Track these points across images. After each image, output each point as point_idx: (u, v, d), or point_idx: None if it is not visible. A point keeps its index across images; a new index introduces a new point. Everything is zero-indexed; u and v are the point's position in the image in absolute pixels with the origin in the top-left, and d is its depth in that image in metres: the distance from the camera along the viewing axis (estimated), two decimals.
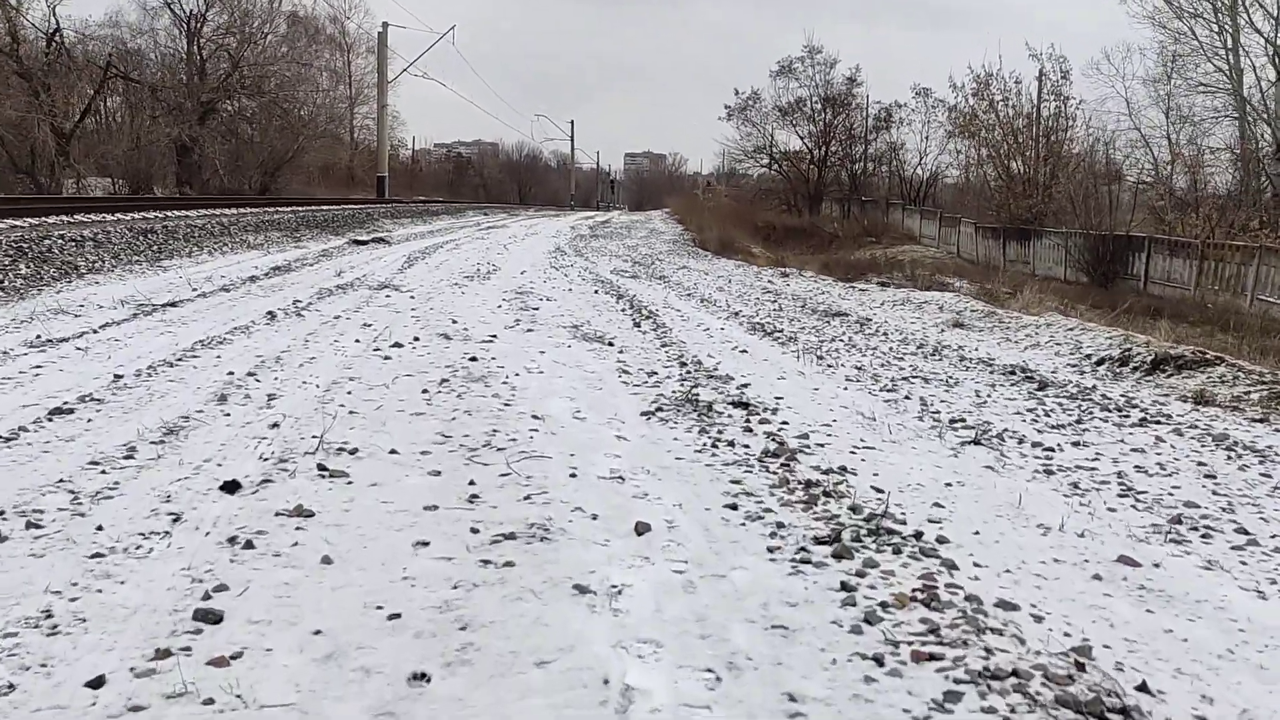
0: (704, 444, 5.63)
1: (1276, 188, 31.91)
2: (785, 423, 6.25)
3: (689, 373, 7.94)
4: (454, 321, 9.99)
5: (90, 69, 37.32)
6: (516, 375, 7.30)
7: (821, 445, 5.66)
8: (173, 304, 10.59)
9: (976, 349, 10.07)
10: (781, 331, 10.87)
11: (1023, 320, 11.68)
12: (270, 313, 10.08)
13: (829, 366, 8.74)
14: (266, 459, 4.89)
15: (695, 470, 5.07)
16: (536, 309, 11.40)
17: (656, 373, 7.83)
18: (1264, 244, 25.38)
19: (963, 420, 6.61)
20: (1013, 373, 8.70)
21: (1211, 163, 35.55)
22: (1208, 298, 25.65)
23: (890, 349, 9.95)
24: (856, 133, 50.46)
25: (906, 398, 7.43)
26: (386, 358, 7.83)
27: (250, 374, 6.99)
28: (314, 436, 5.26)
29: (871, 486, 4.82)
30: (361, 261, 17.08)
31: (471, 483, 4.62)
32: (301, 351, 8.00)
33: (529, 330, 9.68)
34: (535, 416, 6.02)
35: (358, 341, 8.58)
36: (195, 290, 11.84)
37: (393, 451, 5.12)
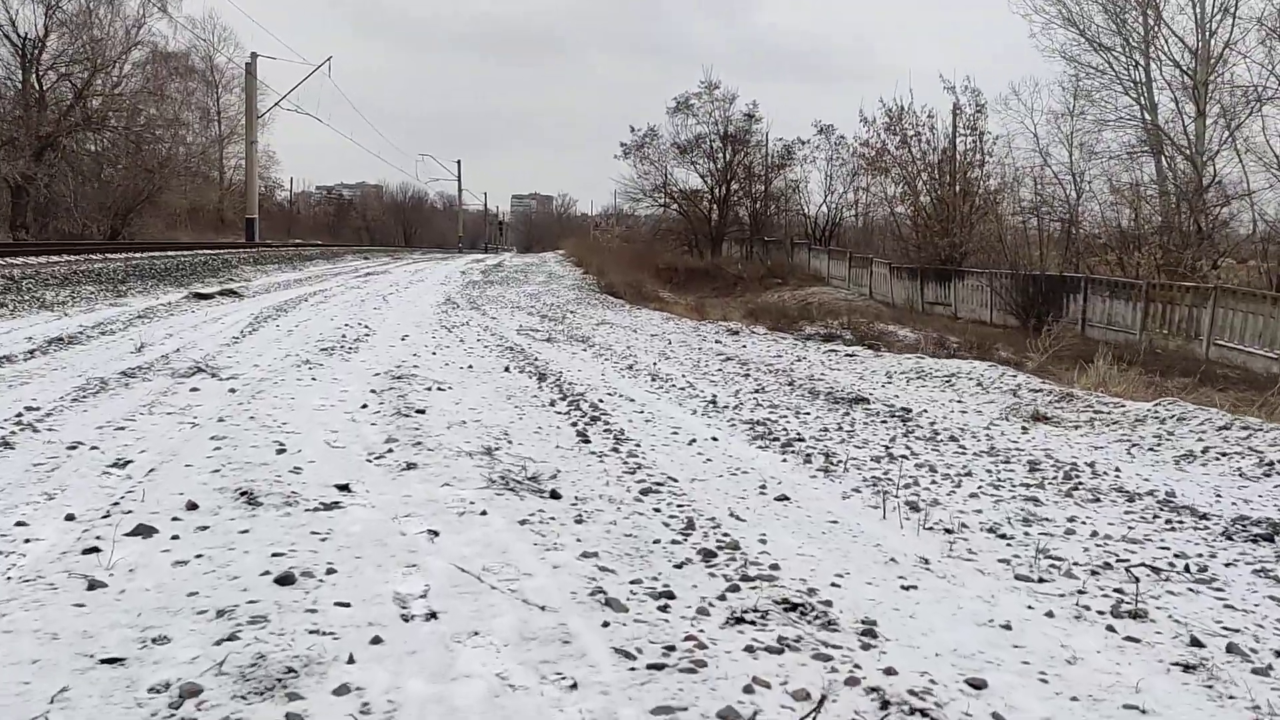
0: None
1: (1202, 225, 29.66)
2: None
3: (728, 576, 3.89)
4: (279, 451, 5.70)
5: None
6: (376, 646, 3.11)
7: None
8: None
9: (1118, 471, 6.27)
10: (802, 441, 6.90)
11: (1126, 408, 8.01)
12: None
13: (948, 537, 4.78)
14: None
15: None
16: (422, 411, 7.16)
17: (669, 590, 3.72)
18: (1218, 285, 22.74)
19: None
20: (1252, 528, 4.91)
21: (1125, 200, 33.32)
22: (1156, 342, 22.90)
23: (998, 477, 6.05)
24: (756, 171, 47.40)
25: (1154, 627, 3.48)
26: (79, 605, 3.49)
27: None
28: None
29: None
30: (188, 325, 12.53)
31: None
32: None
33: (407, 468, 5.45)
34: None
35: (72, 519, 4.26)
36: None
37: None
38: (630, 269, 34.76)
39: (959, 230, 34.89)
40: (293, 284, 22.27)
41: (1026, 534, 4.82)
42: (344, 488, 4.94)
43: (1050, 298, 27.58)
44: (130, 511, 4.40)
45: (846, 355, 11.91)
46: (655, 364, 11.04)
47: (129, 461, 5.37)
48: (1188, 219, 29.51)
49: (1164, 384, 10.97)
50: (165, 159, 40.70)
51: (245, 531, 4.19)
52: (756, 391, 9.22)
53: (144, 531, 4.11)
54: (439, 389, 8.30)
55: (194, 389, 7.81)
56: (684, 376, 10.08)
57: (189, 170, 46.44)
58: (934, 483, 5.85)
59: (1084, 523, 5.05)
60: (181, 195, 46.16)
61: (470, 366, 9.85)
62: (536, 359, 10.83)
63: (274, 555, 3.87)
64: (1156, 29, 32.60)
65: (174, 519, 4.33)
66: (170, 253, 23.59)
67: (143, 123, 39.62)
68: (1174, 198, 30.94)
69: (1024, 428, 7.58)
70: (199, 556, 3.85)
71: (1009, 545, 4.63)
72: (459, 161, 79.13)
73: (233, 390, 7.79)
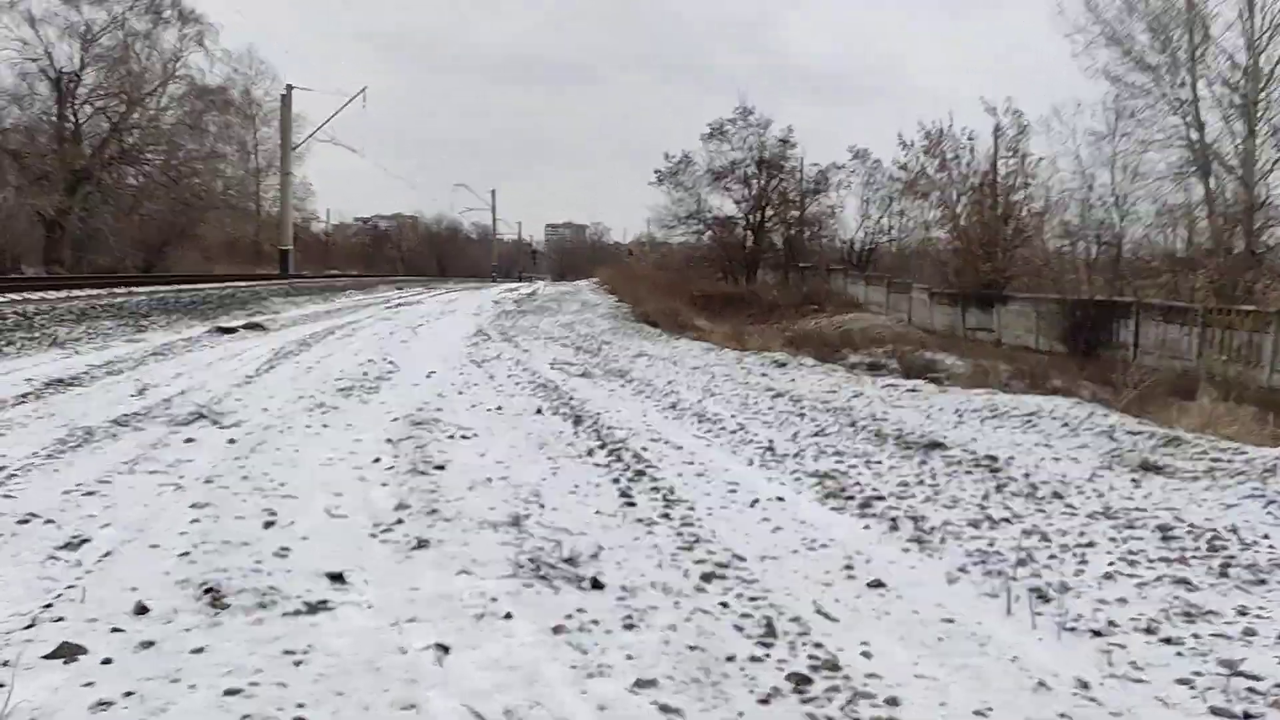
0: None
1: (1254, 247, 28.25)
2: None
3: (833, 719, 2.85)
4: (267, 524, 4.73)
5: None
6: None
7: None
8: None
9: (1269, 541, 5.14)
10: (882, 499, 5.83)
11: (1249, 455, 6.88)
12: None
13: (1099, 643, 3.70)
14: None
15: None
16: (442, 467, 6.17)
17: None
18: None
19: None
20: None
21: (1176, 221, 31.97)
22: (1214, 370, 21.54)
23: (1127, 549, 4.95)
24: (791, 196, 46.29)
25: None
26: None
27: None
28: None
29: None
30: (202, 363, 11.67)
31: None
32: None
33: (418, 546, 4.46)
34: None
35: None
36: None
37: None
38: (665, 296, 33.79)
39: (1001, 255, 33.64)
40: (321, 316, 21.48)
41: (1196, 637, 3.74)
42: (337, 578, 3.95)
43: (1099, 324, 26.30)
44: (62, 619, 3.44)
45: (909, 390, 10.80)
46: (700, 402, 10.01)
47: (85, 541, 4.42)
48: (1238, 240, 28.16)
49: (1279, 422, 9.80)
50: (201, 192, 40.33)
51: (200, 650, 3.20)
52: (816, 435, 8.16)
53: (68, 653, 3.14)
54: (463, 437, 7.32)
55: (189, 440, 6.88)
56: (733, 417, 9.05)
57: (226, 203, 46.13)
58: (1053, 557, 4.77)
59: (1261, 617, 3.96)
60: (219, 228, 45.86)
61: (499, 408, 8.87)
62: (571, 398, 9.84)
63: (228, 693, 2.88)
64: (1204, 46, 31.31)
65: (114, 630, 3.36)
66: (199, 285, 22.93)
67: (181, 157, 39.32)
68: (1224, 219, 29.58)
69: (1134, 480, 6.47)
70: (129, 694, 2.87)
71: (1181, 656, 3.55)
72: (493, 191, 78.86)
73: (232, 441, 6.86)
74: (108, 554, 4.23)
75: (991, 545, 4.94)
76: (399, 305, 26.96)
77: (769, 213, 45.76)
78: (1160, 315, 24.47)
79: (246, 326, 17.32)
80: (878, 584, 4.24)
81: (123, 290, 18.80)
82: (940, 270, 39.51)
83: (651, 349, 16.94)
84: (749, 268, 45.30)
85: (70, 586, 3.79)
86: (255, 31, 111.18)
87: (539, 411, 8.78)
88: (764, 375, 12.96)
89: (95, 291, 17.83)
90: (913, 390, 10.80)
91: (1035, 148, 34.39)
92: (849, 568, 4.47)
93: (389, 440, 7.02)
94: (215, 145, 44.88)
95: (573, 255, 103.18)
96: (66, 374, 10.08)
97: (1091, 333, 25.89)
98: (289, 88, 41.30)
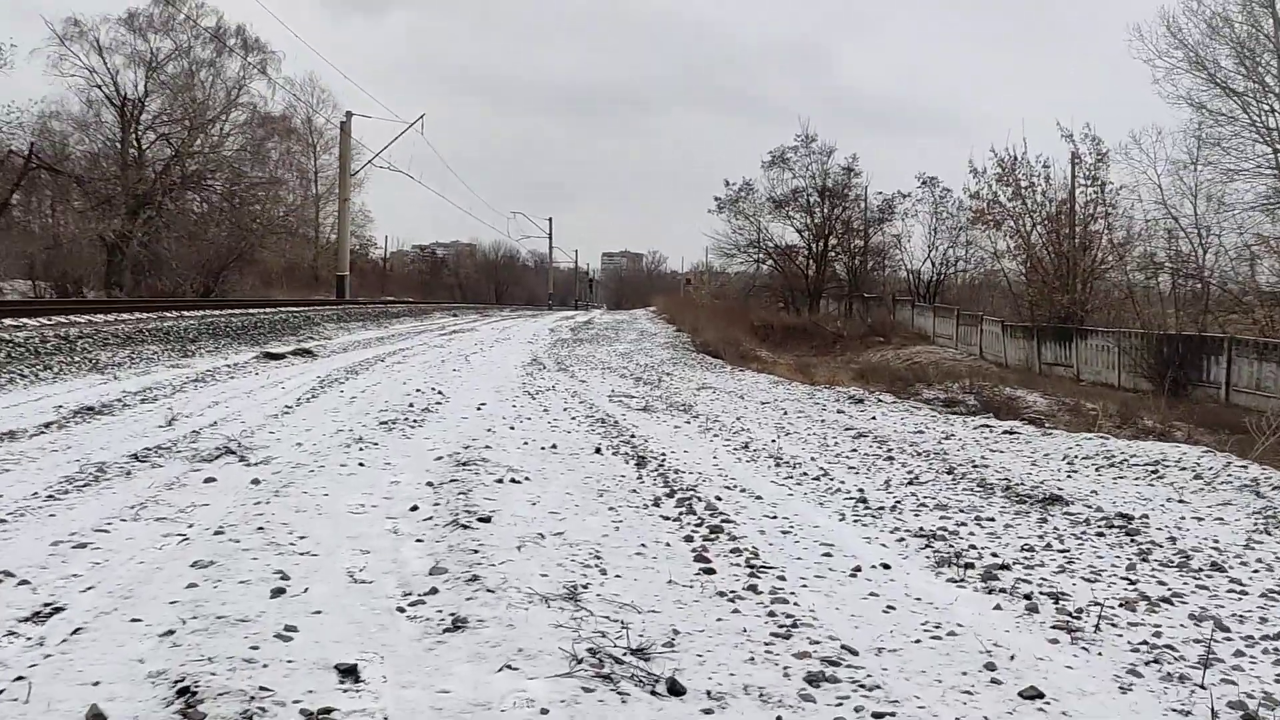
0: None
1: None
2: None
3: None
4: (276, 592, 3.92)
5: (9, 160, 31.68)
6: None
7: None
8: None
9: None
10: (1006, 569, 4.87)
11: None
12: None
13: None
14: None
15: None
16: (488, 520, 5.34)
17: None
18: None
19: None
20: None
21: (1273, 252, 30.35)
22: None
23: None
24: (855, 225, 45.23)
25: None
26: None
27: None
28: None
29: None
30: (242, 391, 11.04)
31: None
32: None
33: (453, 628, 3.61)
34: None
35: None
36: None
37: None
38: (725, 326, 32.90)
39: (1080, 287, 32.24)
40: (373, 342, 20.94)
41: None
42: (349, 672, 3.13)
43: (1189, 360, 24.86)
44: None
45: (1005, 433, 9.78)
46: (775, 442, 9.12)
47: (57, 610, 3.67)
48: None
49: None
50: (262, 218, 40.36)
51: None
52: (911, 483, 7.22)
53: None
54: (513, 480, 6.50)
55: (209, 479, 6.15)
56: (814, 460, 8.13)
57: (285, 229, 46.24)
58: (1240, 654, 3.81)
59: None
60: (278, 254, 45.94)
61: (553, 446, 8.05)
62: (633, 435, 9.00)
63: None
64: None
65: None
66: (251, 310, 22.55)
67: (246, 186, 39.42)
68: None
69: None
70: None
71: None
72: (550, 219, 78.89)
73: (256, 481, 6.11)
74: (77, 630, 3.46)
75: (1159, 636, 3.99)
76: (453, 332, 26.40)
77: (832, 241, 44.80)
78: (1255, 352, 23.06)
79: (295, 352, 16.79)
80: (1034, 694, 3.31)
81: (174, 314, 18.39)
82: (1012, 302, 38.14)
83: (715, 381, 16.06)
84: (811, 298, 44.29)
85: (19, 679, 3.03)
86: (316, 59, 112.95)
87: (598, 450, 7.95)
88: (840, 412, 12.01)
89: (144, 315, 17.42)
90: (1010, 433, 9.77)
91: (1114, 176, 32.92)
92: (990, 667, 3.54)
93: (430, 484, 6.23)
94: (276, 172, 45.11)
95: (629, 284, 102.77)
96: (99, 401, 9.50)
97: (1180, 370, 24.48)
98: (348, 114, 41.24)
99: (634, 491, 6.50)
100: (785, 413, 11.69)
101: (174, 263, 34.83)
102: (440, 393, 11.47)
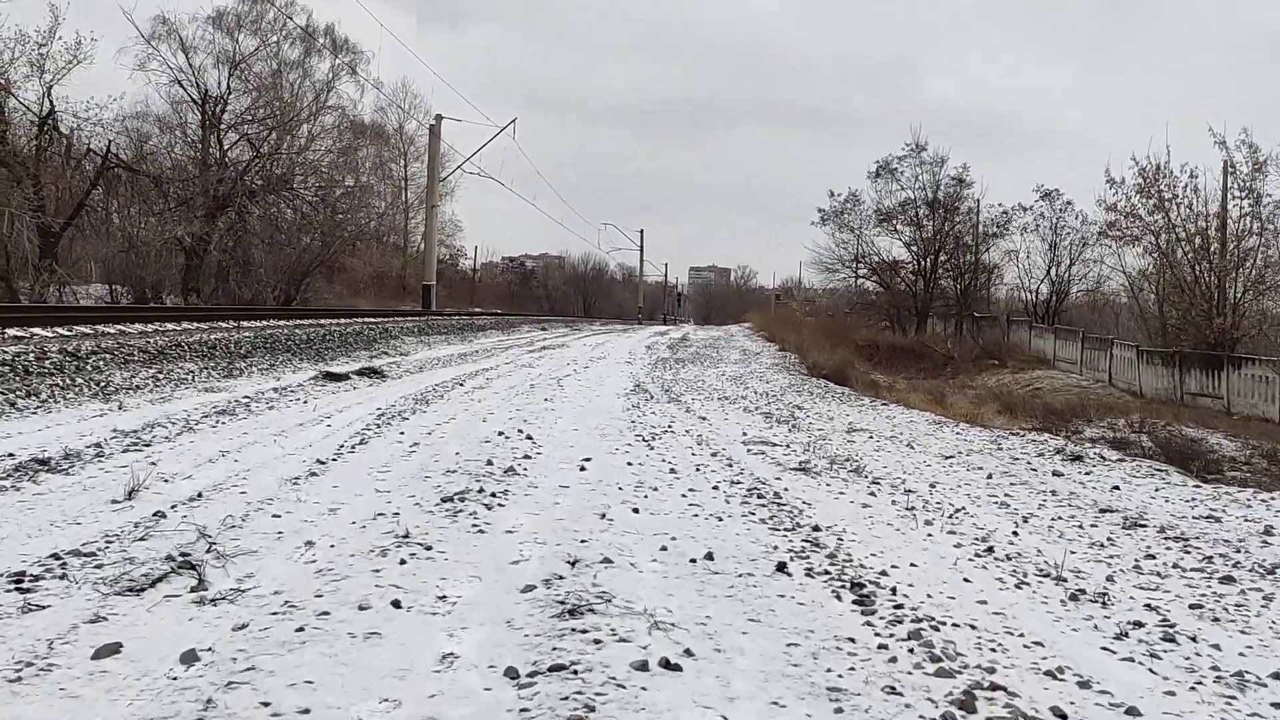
0: None
1: None
2: None
3: None
4: None
5: (88, 159, 29.91)
6: None
7: None
8: None
9: None
10: None
11: None
12: None
13: None
14: None
15: None
16: None
17: None
18: None
19: None
20: None
21: None
22: None
23: None
24: (967, 240, 41.33)
25: None
26: None
27: None
28: None
29: None
30: (273, 431, 8.19)
31: None
32: None
33: None
34: None
35: None
36: None
37: None
38: (829, 346, 29.55)
39: (1232, 310, 28.08)
40: (454, 360, 18.14)
41: None
42: None
43: None
44: None
45: None
46: (1016, 536, 5.91)
47: None
48: None
49: None
50: (349, 225, 38.22)
51: None
52: (1239, 605, 3.99)
53: None
54: (664, 663, 3.42)
55: (96, 654, 3.20)
56: (1112, 581, 4.92)
57: (375, 236, 44.18)
58: None
59: None
60: (366, 262, 43.86)
61: (708, 557, 4.92)
62: (815, 524, 5.86)
63: None
64: None
65: None
66: (323, 321, 19.97)
67: (339, 194, 37.37)
68: None
69: None
70: None
71: None
72: (641, 231, 75.64)
73: (189, 660, 3.15)
74: None
75: None
76: (542, 349, 23.55)
77: (941, 257, 41.03)
78: None
79: (361, 372, 14.03)
80: None
81: (228, 324, 15.83)
82: (1145, 325, 33.99)
83: (860, 419, 12.81)
84: (919, 317, 40.55)
85: None
86: (405, 67, 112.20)
87: (781, 569, 4.80)
88: (1058, 474, 8.70)
89: (193, 325, 14.87)
90: None
91: (1273, 188, 28.62)
92: None
93: (511, 675, 3.19)
94: (362, 177, 43.06)
95: (717, 299, 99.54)
96: (65, 448, 6.72)
97: None
98: (438, 118, 38.88)
99: (867, 662, 3.40)
100: (990, 475, 8.43)
101: (261, 269, 32.79)
102: (529, 437, 8.48)
